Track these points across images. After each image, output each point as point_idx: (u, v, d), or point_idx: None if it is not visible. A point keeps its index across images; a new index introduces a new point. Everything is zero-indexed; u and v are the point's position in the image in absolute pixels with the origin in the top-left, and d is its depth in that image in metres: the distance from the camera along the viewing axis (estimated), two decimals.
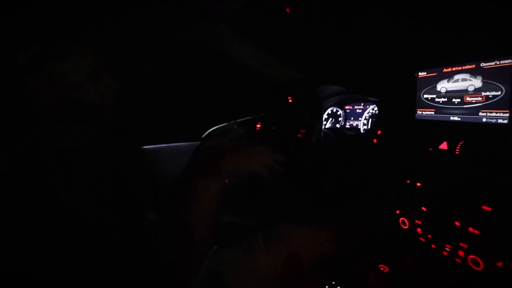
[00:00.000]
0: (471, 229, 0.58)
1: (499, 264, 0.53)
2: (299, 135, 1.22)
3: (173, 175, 1.11)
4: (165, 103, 1.36)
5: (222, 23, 0.95)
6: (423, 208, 0.69)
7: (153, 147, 1.18)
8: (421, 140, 0.76)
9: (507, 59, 0.59)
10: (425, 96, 0.78)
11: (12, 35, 0.47)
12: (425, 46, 0.78)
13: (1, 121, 0.50)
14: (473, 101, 0.66)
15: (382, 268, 0.63)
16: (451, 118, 0.71)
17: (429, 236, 0.67)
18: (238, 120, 1.42)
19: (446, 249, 0.63)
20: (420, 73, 0.79)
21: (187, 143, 1.30)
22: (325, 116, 1.30)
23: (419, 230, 0.70)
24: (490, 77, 0.62)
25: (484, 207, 0.56)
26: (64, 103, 0.51)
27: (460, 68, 0.68)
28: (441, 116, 0.74)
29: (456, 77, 0.69)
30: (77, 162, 0.50)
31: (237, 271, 0.68)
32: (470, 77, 0.66)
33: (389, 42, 0.85)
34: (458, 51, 0.69)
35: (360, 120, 1.19)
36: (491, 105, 0.62)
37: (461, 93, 0.68)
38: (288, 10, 0.88)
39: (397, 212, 0.76)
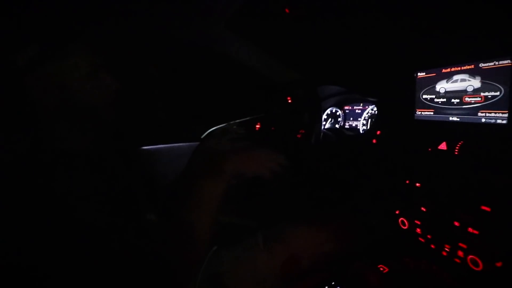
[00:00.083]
0: (470, 229, 0.58)
1: (498, 264, 0.53)
2: (299, 136, 1.22)
3: (172, 176, 1.11)
4: (164, 104, 1.36)
5: (221, 24, 0.95)
6: (422, 208, 0.69)
7: (152, 148, 1.18)
8: (420, 140, 0.76)
9: (506, 59, 0.59)
10: (424, 96, 0.78)
11: (11, 35, 0.47)
12: (424, 47, 0.78)
13: (1, 122, 0.49)
14: (472, 102, 0.66)
15: (381, 269, 0.63)
16: (450, 118, 0.71)
17: (429, 236, 0.67)
18: (237, 121, 1.42)
19: (446, 249, 0.63)
20: (419, 74, 0.79)
21: (186, 144, 1.30)
22: (324, 116, 1.30)
23: (418, 230, 0.70)
24: (489, 78, 0.63)
25: (483, 208, 0.56)
26: (63, 103, 0.51)
27: (459, 68, 0.68)
28: (440, 117, 0.74)
29: (455, 77, 0.70)
30: (76, 163, 0.50)
31: (237, 272, 0.68)
32: (469, 77, 0.66)
33: (388, 43, 0.85)
34: (457, 51, 0.70)
35: (360, 121, 1.19)
36: (490, 105, 0.63)
37: (460, 94, 0.69)
38: (287, 10, 0.88)
39: (397, 212, 0.76)
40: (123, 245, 0.44)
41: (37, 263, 0.39)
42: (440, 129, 0.74)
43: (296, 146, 1.22)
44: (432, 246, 0.66)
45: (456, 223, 0.61)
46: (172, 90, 1.36)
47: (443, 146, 0.70)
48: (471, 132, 0.67)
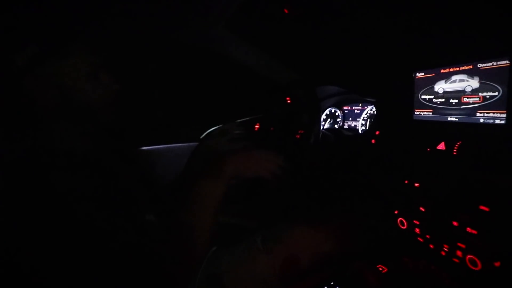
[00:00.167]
0: (469, 229, 0.58)
1: (497, 264, 0.53)
2: (298, 136, 1.22)
3: (172, 176, 1.10)
4: (163, 104, 1.35)
5: (220, 24, 0.95)
6: (421, 208, 0.69)
7: (152, 148, 1.18)
8: (419, 140, 0.76)
9: (504, 60, 0.59)
10: (423, 96, 0.78)
11: (11, 35, 0.47)
12: (423, 47, 0.78)
13: (0, 122, 0.49)
14: (471, 102, 0.66)
15: (380, 268, 0.63)
16: (449, 118, 0.72)
17: (427, 236, 0.68)
18: (236, 121, 1.42)
19: (444, 249, 0.63)
20: (417, 74, 0.79)
21: (185, 144, 1.30)
22: (323, 116, 1.30)
23: (417, 230, 0.70)
24: (487, 78, 0.63)
25: (482, 207, 0.56)
26: (63, 103, 0.51)
27: (458, 69, 0.69)
28: (438, 117, 0.74)
29: (454, 77, 0.70)
30: (76, 163, 0.50)
31: (236, 272, 0.68)
32: (468, 77, 0.67)
33: (387, 43, 0.85)
34: (456, 52, 0.70)
35: (358, 121, 1.20)
36: (488, 105, 0.63)
37: (459, 94, 0.69)
38: (286, 10, 0.88)
39: (395, 212, 0.76)
40: (123, 245, 0.44)
41: (37, 262, 0.39)
42: (438, 129, 0.74)
43: (295, 146, 1.22)
44: (431, 246, 0.67)
45: (455, 223, 0.61)
46: (172, 91, 1.35)
47: (441, 146, 0.70)
48: (469, 132, 0.67)
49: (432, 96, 0.75)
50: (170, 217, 0.52)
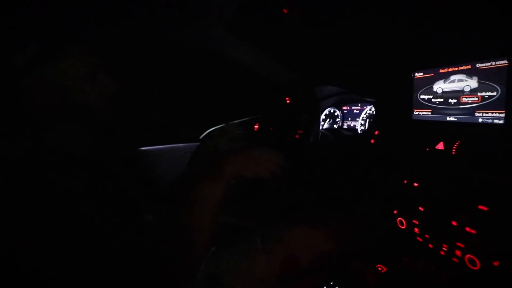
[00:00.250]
0: (467, 229, 0.58)
1: (496, 263, 0.53)
2: (297, 136, 1.22)
3: (171, 176, 1.10)
4: (163, 104, 1.35)
5: (219, 24, 0.95)
6: (420, 208, 0.69)
7: (151, 148, 1.18)
8: (418, 140, 0.76)
9: (503, 59, 0.60)
10: (422, 96, 0.78)
11: (10, 36, 0.47)
12: (422, 47, 0.78)
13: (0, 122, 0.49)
14: (469, 102, 0.67)
15: (380, 268, 0.63)
16: (448, 118, 0.72)
17: (427, 236, 0.68)
18: (236, 121, 1.42)
19: (443, 248, 0.63)
20: (416, 74, 0.79)
21: (185, 144, 1.29)
22: (322, 116, 1.30)
23: (416, 230, 0.70)
24: (486, 78, 0.63)
25: (481, 207, 0.57)
26: (62, 104, 0.51)
27: (456, 68, 0.69)
28: (437, 117, 0.74)
29: (452, 77, 0.70)
30: (75, 163, 0.50)
31: (235, 272, 0.68)
32: (466, 77, 0.67)
33: (386, 43, 0.85)
34: (454, 51, 0.70)
35: (358, 121, 1.20)
36: (487, 105, 0.63)
37: (457, 94, 0.69)
38: (285, 10, 0.88)
39: (395, 212, 0.76)
40: (122, 245, 0.44)
41: (36, 262, 0.39)
42: (437, 129, 0.74)
43: (294, 146, 1.22)
44: (430, 245, 0.67)
45: (454, 223, 0.61)
46: (171, 91, 1.35)
47: (440, 146, 0.70)
48: (468, 132, 0.67)
49: (431, 96, 0.76)
50: (170, 217, 0.52)
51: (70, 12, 0.53)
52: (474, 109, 0.66)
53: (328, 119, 1.32)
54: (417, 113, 0.80)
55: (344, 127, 1.29)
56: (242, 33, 1.02)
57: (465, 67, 0.67)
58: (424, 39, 0.76)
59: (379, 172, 0.85)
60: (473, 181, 0.60)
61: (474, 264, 0.56)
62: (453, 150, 0.67)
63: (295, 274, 0.73)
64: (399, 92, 0.84)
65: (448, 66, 0.71)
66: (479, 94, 0.64)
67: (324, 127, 1.31)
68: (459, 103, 0.69)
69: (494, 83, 0.61)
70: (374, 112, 1.08)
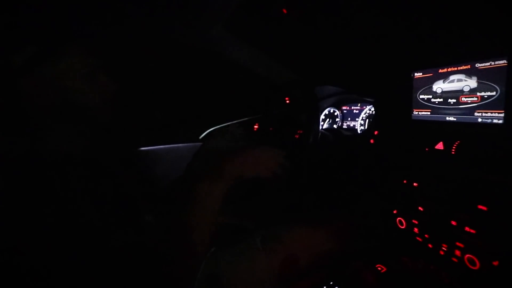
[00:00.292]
0: (467, 229, 0.58)
1: (495, 263, 0.53)
2: (297, 136, 1.22)
3: (171, 177, 1.10)
4: (162, 105, 1.35)
5: (219, 24, 0.95)
6: (419, 208, 0.69)
7: (150, 149, 1.18)
8: (417, 140, 0.76)
9: (502, 59, 0.60)
10: (421, 96, 0.78)
11: (8, 36, 0.47)
12: (421, 47, 0.78)
13: None
14: (469, 101, 0.67)
15: (379, 268, 0.63)
16: (447, 118, 0.72)
17: (426, 235, 0.68)
18: (235, 121, 1.43)
19: (443, 248, 0.63)
20: (416, 74, 0.79)
21: (184, 144, 1.30)
22: (322, 116, 1.30)
23: (416, 230, 0.70)
24: (485, 78, 0.63)
25: (480, 207, 0.57)
26: (61, 104, 0.51)
27: (456, 68, 0.69)
28: (437, 116, 0.74)
29: (452, 77, 0.70)
30: (74, 164, 0.50)
31: (235, 273, 0.68)
32: (466, 77, 0.67)
33: (386, 43, 0.85)
34: (454, 51, 0.70)
35: (357, 121, 1.20)
36: (486, 105, 0.63)
37: (457, 94, 0.69)
38: (285, 11, 0.88)
39: (394, 212, 0.76)
40: (122, 246, 0.44)
41: (36, 263, 0.39)
42: (437, 129, 0.74)
43: (294, 146, 1.23)
44: (430, 245, 0.67)
45: (453, 223, 0.61)
46: (170, 91, 1.35)
47: (440, 146, 0.70)
48: (467, 131, 0.67)
49: (430, 96, 0.76)
50: (170, 217, 0.52)
51: (69, 12, 0.53)
52: (474, 109, 0.66)
53: (328, 119, 1.32)
54: (416, 113, 0.80)
55: (344, 127, 1.29)
56: (241, 33, 1.02)
57: (465, 67, 0.67)
58: (424, 39, 0.76)
59: (378, 172, 0.85)
60: (473, 181, 0.60)
61: (474, 264, 0.56)
62: (453, 150, 0.67)
63: (294, 274, 0.73)
64: (399, 92, 0.84)
65: (447, 66, 0.71)
66: (478, 94, 0.64)
67: (323, 127, 1.31)
68: (458, 103, 0.69)
69: (493, 83, 0.61)
70: (374, 112, 1.08)
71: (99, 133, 0.60)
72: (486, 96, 0.63)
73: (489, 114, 0.63)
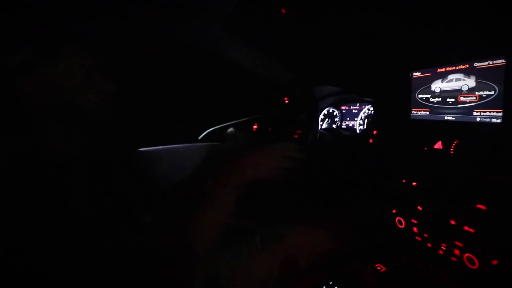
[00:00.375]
0: (466, 228, 0.58)
1: (494, 262, 0.53)
2: (296, 136, 1.22)
3: (170, 177, 1.10)
4: (161, 105, 1.35)
5: (218, 24, 0.95)
6: (418, 207, 0.69)
7: (150, 149, 1.18)
8: (416, 139, 0.76)
9: (500, 59, 0.60)
10: (420, 96, 0.78)
11: (5, 37, 0.47)
12: (420, 46, 0.78)
13: None
14: (467, 101, 0.67)
15: (378, 268, 0.63)
16: (446, 117, 0.72)
17: (425, 235, 0.68)
18: (234, 121, 1.43)
19: (442, 248, 0.63)
20: (414, 73, 0.79)
21: (184, 145, 1.29)
22: (321, 116, 1.30)
23: (415, 229, 0.70)
24: (483, 77, 0.63)
25: (479, 206, 0.57)
26: (59, 105, 0.51)
27: (454, 68, 0.69)
28: (435, 116, 0.74)
29: (450, 77, 0.70)
30: (73, 165, 0.50)
31: (234, 273, 0.68)
32: (464, 77, 0.67)
33: (384, 43, 0.85)
34: (452, 51, 0.70)
35: (356, 120, 1.20)
36: (485, 104, 0.63)
37: (455, 93, 0.69)
38: (283, 11, 0.88)
39: (393, 211, 0.76)
40: (121, 247, 0.44)
41: (37, 264, 0.39)
42: (435, 128, 0.74)
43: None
44: (429, 245, 0.67)
45: (452, 222, 0.61)
46: (169, 91, 1.35)
47: (438, 145, 0.70)
48: (466, 131, 0.67)
49: (429, 96, 0.76)
50: (171, 218, 0.52)
51: (69, 12, 0.53)
52: (472, 108, 0.66)
53: (327, 119, 1.32)
54: (415, 112, 0.80)
55: (343, 127, 1.29)
56: (240, 33, 1.02)
57: (463, 67, 0.67)
58: (422, 39, 0.76)
59: (377, 171, 0.85)
60: (472, 180, 0.60)
61: (473, 263, 0.56)
62: (451, 149, 0.67)
63: (294, 274, 0.73)
64: (397, 91, 0.84)
65: (446, 66, 0.71)
66: (476, 93, 0.65)
67: (322, 127, 1.31)
68: (457, 102, 0.69)
69: (491, 82, 0.61)
70: (373, 111, 1.08)
71: (98, 133, 0.60)
72: (484, 96, 0.63)
73: (487, 114, 0.63)
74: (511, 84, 0.58)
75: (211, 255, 0.68)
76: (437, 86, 0.73)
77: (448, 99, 0.71)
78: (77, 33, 0.53)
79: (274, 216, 0.89)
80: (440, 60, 0.72)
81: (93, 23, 0.59)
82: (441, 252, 0.64)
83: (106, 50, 0.59)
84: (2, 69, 0.47)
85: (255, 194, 1.16)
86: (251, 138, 1.39)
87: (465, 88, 0.67)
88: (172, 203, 0.62)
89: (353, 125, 1.23)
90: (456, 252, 0.60)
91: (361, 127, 1.17)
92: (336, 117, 1.32)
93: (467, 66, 0.66)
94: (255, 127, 1.44)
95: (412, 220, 0.71)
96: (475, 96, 0.65)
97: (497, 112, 0.61)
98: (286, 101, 1.34)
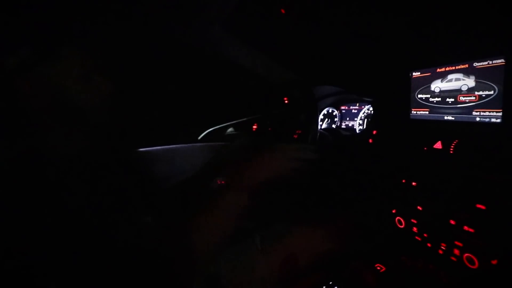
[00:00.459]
0: (466, 228, 0.58)
1: (494, 262, 0.53)
2: (295, 136, 1.22)
3: (170, 178, 1.10)
4: (161, 105, 1.35)
5: (217, 24, 0.95)
6: (418, 207, 0.69)
7: (149, 149, 1.18)
8: (415, 139, 0.76)
9: (499, 58, 0.60)
10: (419, 96, 0.78)
11: (2, 38, 0.47)
12: (419, 46, 0.78)
13: None
14: (467, 101, 0.67)
15: (378, 268, 0.63)
16: (445, 117, 0.72)
17: (425, 235, 0.68)
18: (234, 122, 1.43)
19: (442, 247, 0.63)
20: (414, 73, 0.79)
21: (184, 145, 1.29)
22: (321, 116, 1.30)
23: (415, 229, 0.70)
24: (483, 77, 0.63)
25: (479, 206, 0.57)
26: (57, 106, 0.51)
27: (454, 68, 0.69)
28: (435, 116, 0.74)
29: (450, 76, 0.70)
30: (72, 166, 0.50)
31: (234, 273, 0.68)
32: (463, 76, 0.67)
33: (384, 43, 0.85)
34: (451, 51, 0.70)
35: (356, 120, 1.20)
36: (484, 104, 0.63)
37: (455, 93, 0.69)
38: (283, 11, 0.88)
39: (393, 211, 0.76)
40: (121, 247, 0.44)
41: (35, 263, 0.39)
42: (435, 128, 0.74)
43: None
44: (429, 244, 0.67)
45: (452, 222, 0.61)
46: (169, 91, 1.35)
47: (438, 145, 0.70)
48: (466, 131, 0.67)
49: (428, 95, 0.76)
50: (175, 219, 0.52)
51: (67, 12, 0.53)
52: (472, 108, 0.66)
53: (326, 119, 1.32)
54: (414, 112, 0.80)
55: (343, 127, 1.30)
56: (240, 33, 1.02)
57: (462, 66, 0.67)
58: (422, 39, 0.76)
59: (377, 171, 0.85)
60: (471, 180, 0.60)
61: (473, 263, 0.56)
62: (451, 149, 0.67)
63: (294, 274, 0.73)
64: (397, 91, 0.84)
65: (445, 65, 0.71)
66: (476, 93, 0.65)
67: (322, 127, 1.31)
68: (456, 102, 0.69)
69: (491, 82, 0.62)
70: (372, 111, 1.08)
71: (98, 133, 0.60)
72: (484, 95, 0.63)
73: (487, 113, 0.63)
74: (511, 84, 0.58)
75: (211, 255, 0.68)
76: (437, 86, 0.73)
77: (447, 99, 0.71)
78: (76, 33, 0.53)
79: (274, 216, 0.89)
80: (440, 60, 0.72)
81: (93, 23, 0.59)
82: (441, 252, 0.64)
83: (106, 50, 0.59)
84: (2, 69, 0.47)
85: (261, 195, 1.16)
86: (251, 138, 1.39)
87: (464, 88, 0.67)
88: (173, 203, 0.62)
89: (352, 125, 1.23)
90: (456, 252, 0.60)
91: (360, 127, 1.17)
92: (336, 117, 1.32)
93: (467, 66, 0.66)
94: (254, 127, 1.44)
95: (412, 220, 0.71)
96: (475, 96, 0.65)
97: (496, 112, 0.61)
98: (286, 101, 1.34)
